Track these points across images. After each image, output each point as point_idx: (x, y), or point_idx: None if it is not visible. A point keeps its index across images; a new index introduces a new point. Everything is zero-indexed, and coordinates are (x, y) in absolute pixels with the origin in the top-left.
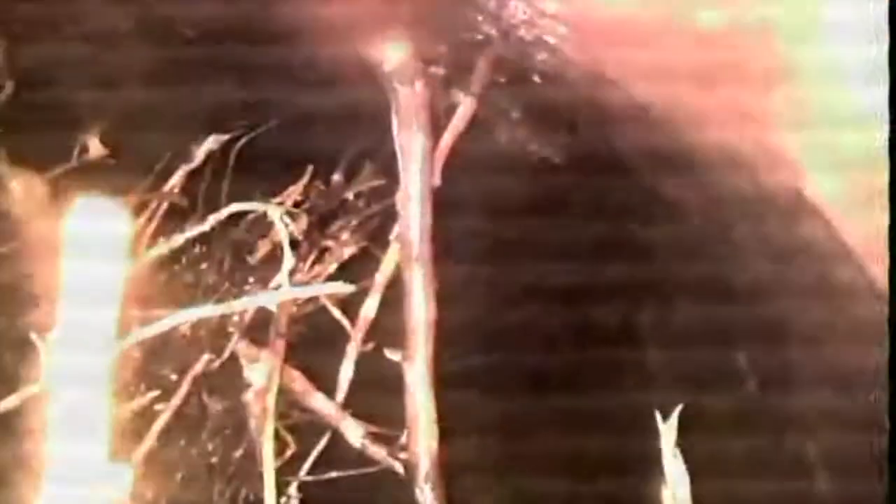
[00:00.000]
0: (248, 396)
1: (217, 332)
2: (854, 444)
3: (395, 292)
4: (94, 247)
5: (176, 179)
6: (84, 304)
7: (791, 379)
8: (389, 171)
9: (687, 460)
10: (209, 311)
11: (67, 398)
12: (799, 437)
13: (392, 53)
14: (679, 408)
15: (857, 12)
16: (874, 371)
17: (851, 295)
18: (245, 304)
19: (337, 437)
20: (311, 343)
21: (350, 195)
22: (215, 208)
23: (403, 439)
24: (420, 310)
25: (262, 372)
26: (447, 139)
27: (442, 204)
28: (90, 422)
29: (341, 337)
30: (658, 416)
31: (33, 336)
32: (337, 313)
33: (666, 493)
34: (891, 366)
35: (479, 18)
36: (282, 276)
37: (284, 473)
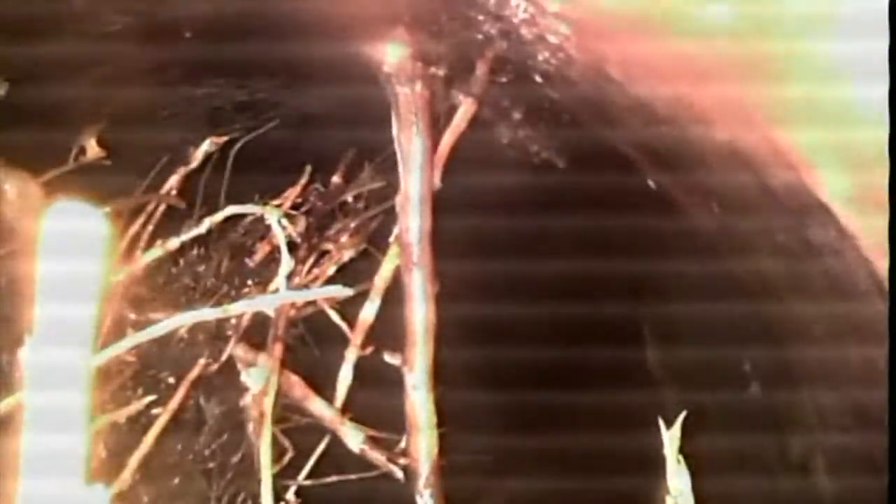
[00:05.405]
0: (246, 400)
1: (215, 336)
2: (855, 443)
3: (394, 295)
4: (69, 251)
5: (173, 181)
6: (58, 313)
7: (795, 378)
8: (389, 173)
9: (689, 462)
10: (206, 314)
11: (42, 412)
12: (801, 437)
13: (392, 54)
14: (682, 415)
15: (860, 8)
16: (878, 370)
17: (858, 293)
18: (242, 308)
19: (336, 442)
20: (310, 347)
21: (349, 197)
22: (213, 211)
23: (403, 444)
24: (420, 313)
25: (259, 376)
26: (447, 140)
27: (442, 206)
28: (65, 439)
29: (340, 340)
30: (661, 424)
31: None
32: (336, 317)
33: (669, 501)
34: (891, 364)
35: (480, 17)
36: (279, 280)
37: (283, 478)
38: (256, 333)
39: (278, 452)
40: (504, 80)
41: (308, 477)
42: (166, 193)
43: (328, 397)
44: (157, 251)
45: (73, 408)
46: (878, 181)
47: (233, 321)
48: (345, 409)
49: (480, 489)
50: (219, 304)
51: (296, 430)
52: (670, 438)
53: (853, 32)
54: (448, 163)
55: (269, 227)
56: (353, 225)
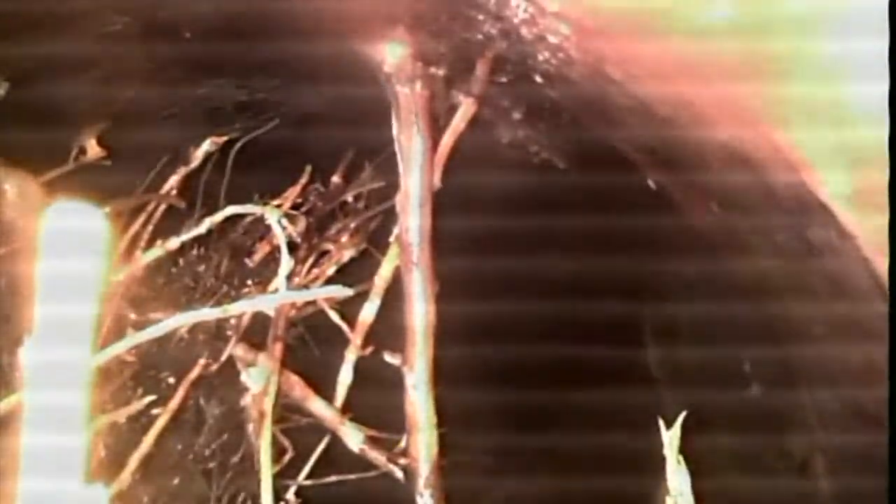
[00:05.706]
0: (246, 400)
1: (215, 336)
2: (856, 444)
3: (394, 295)
4: (69, 251)
5: (173, 181)
6: (58, 313)
7: (795, 378)
8: (389, 173)
9: (689, 462)
10: (206, 314)
11: (41, 412)
12: (801, 437)
13: (392, 54)
14: (682, 415)
15: (859, 7)
16: (878, 369)
17: (858, 293)
18: (242, 308)
19: (336, 442)
20: (310, 347)
21: (349, 197)
22: (213, 211)
23: (403, 444)
24: (420, 313)
25: (259, 376)
26: (447, 140)
27: (443, 206)
28: (65, 439)
29: (340, 340)
30: (661, 424)
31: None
32: (336, 317)
33: (669, 501)
34: (891, 363)
35: (480, 17)
36: (279, 280)
37: (283, 478)
38: (256, 333)
39: (278, 452)
40: (504, 80)
41: (308, 477)
42: (166, 193)
43: (328, 397)
44: (157, 251)
45: (72, 407)
46: (878, 181)
47: (233, 321)
48: (345, 409)
49: (480, 489)
50: (219, 304)
51: (296, 430)
52: (670, 439)
53: (853, 31)
54: (448, 163)
55: (269, 227)
56: (353, 225)
